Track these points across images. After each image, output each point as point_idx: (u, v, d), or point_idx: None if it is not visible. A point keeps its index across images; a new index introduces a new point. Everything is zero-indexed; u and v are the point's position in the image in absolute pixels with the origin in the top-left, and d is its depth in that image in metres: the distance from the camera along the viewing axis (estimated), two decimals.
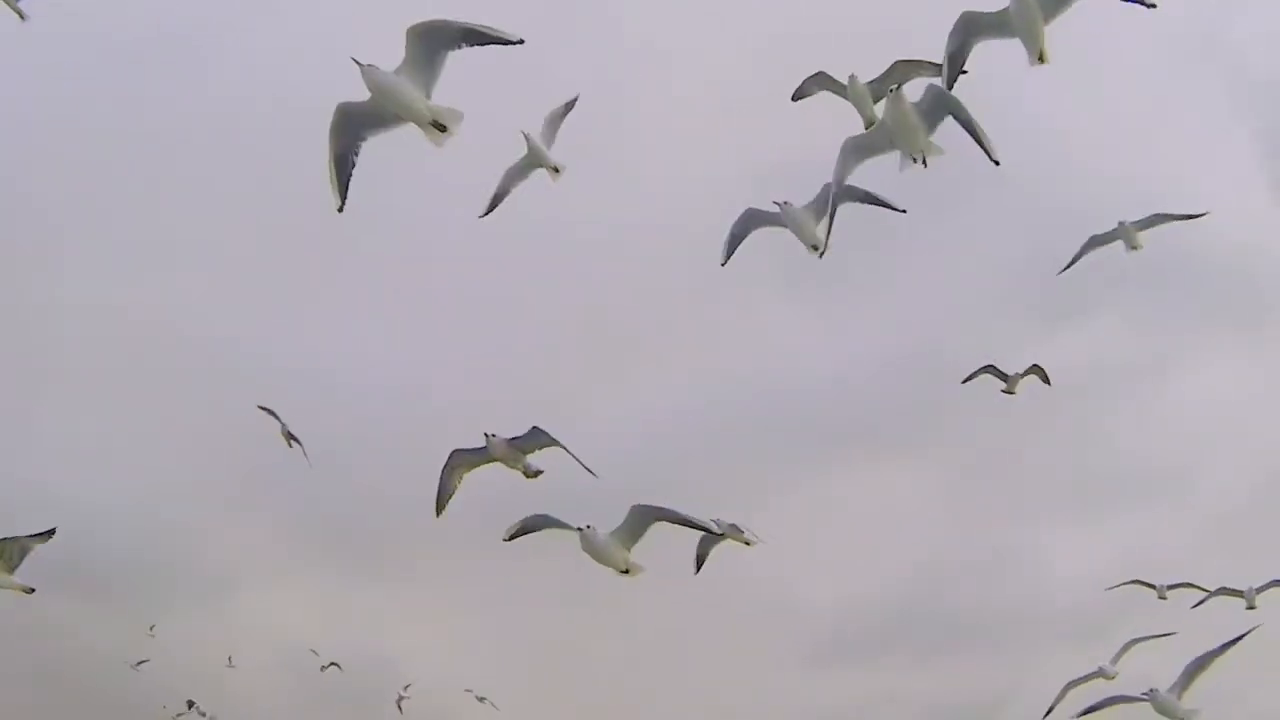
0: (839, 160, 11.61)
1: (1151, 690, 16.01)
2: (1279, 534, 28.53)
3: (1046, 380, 20.07)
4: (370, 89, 9.65)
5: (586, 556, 13.47)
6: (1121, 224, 16.70)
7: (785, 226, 13.24)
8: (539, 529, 13.46)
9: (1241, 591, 21.29)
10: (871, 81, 13.76)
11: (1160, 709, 16.02)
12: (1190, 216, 17.17)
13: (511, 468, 13.80)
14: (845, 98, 14.14)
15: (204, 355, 27.99)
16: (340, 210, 10.29)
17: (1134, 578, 21.99)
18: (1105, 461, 29.25)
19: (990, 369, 20.03)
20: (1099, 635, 30.11)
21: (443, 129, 10.05)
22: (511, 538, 13.53)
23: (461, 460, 13.77)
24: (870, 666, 26.10)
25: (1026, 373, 19.82)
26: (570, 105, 14.50)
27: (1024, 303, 20.19)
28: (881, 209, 12.91)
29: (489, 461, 13.76)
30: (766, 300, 28.16)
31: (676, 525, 12.86)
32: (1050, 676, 25.48)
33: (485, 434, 13.56)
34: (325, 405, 26.79)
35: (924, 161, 11.28)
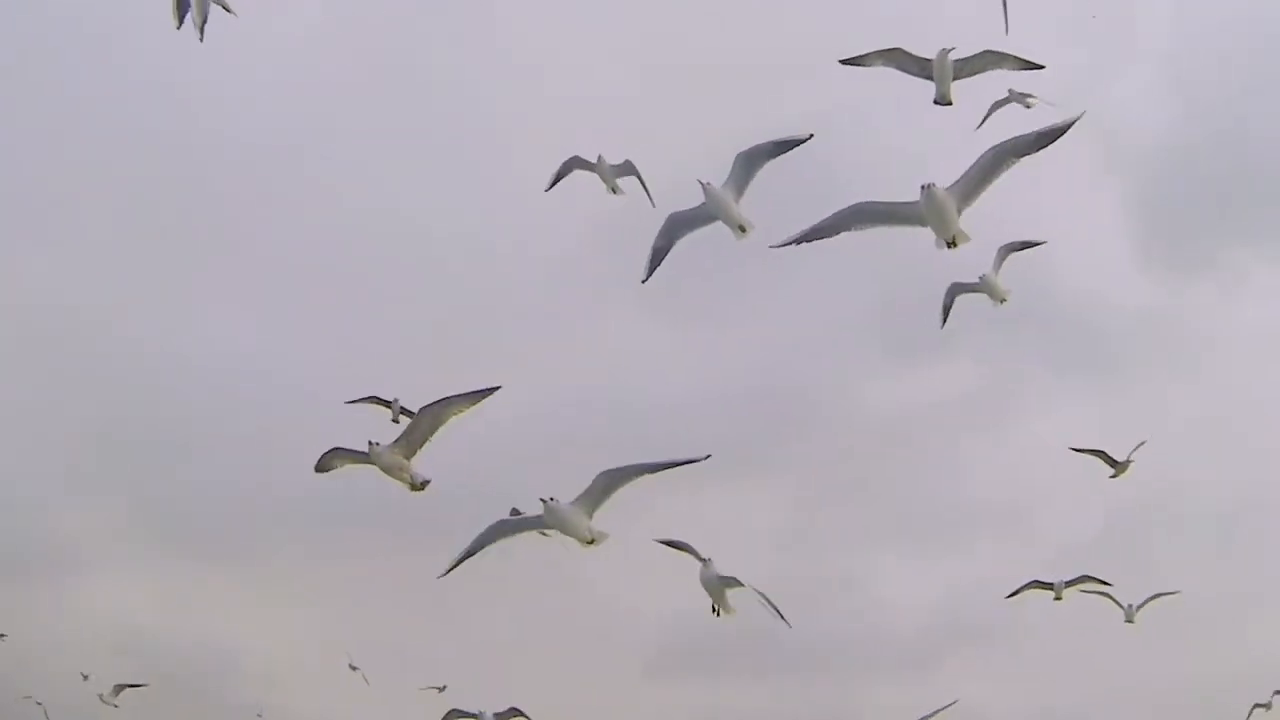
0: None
1: None
2: (1112, 576, 29.69)
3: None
4: None
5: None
6: (983, 277, 16.95)
7: (709, 222, 13.15)
8: (492, 543, 13.19)
9: (1124, 606, 22.90)
10: (958, 60, 14.58)
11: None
12: (1031, 244, 17.28)
13: (396, 479, 13.46)
14: (911, 74, 14.73)
15: (59, 332, 27.59)
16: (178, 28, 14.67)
17: (1033, 579, 22.80)
18: (948, 496, 30.17)
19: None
20: (930, 663, 31.13)
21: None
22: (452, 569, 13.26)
23: (341, 456, 13.39)
24: (707, 680, 26.63)
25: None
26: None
27: (877, 339, 20.87)
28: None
29: (369, 463, 13.38)
30: (627, 318, 28.65)
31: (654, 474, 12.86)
32: (880, 702, 26.32)
33: (369, 442, 13.21)
34: (184, 390, 26.62)
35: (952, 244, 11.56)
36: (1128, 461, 21.38)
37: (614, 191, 17.09)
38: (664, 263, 13.56)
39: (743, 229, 13.04)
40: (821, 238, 11.69)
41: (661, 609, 27.27)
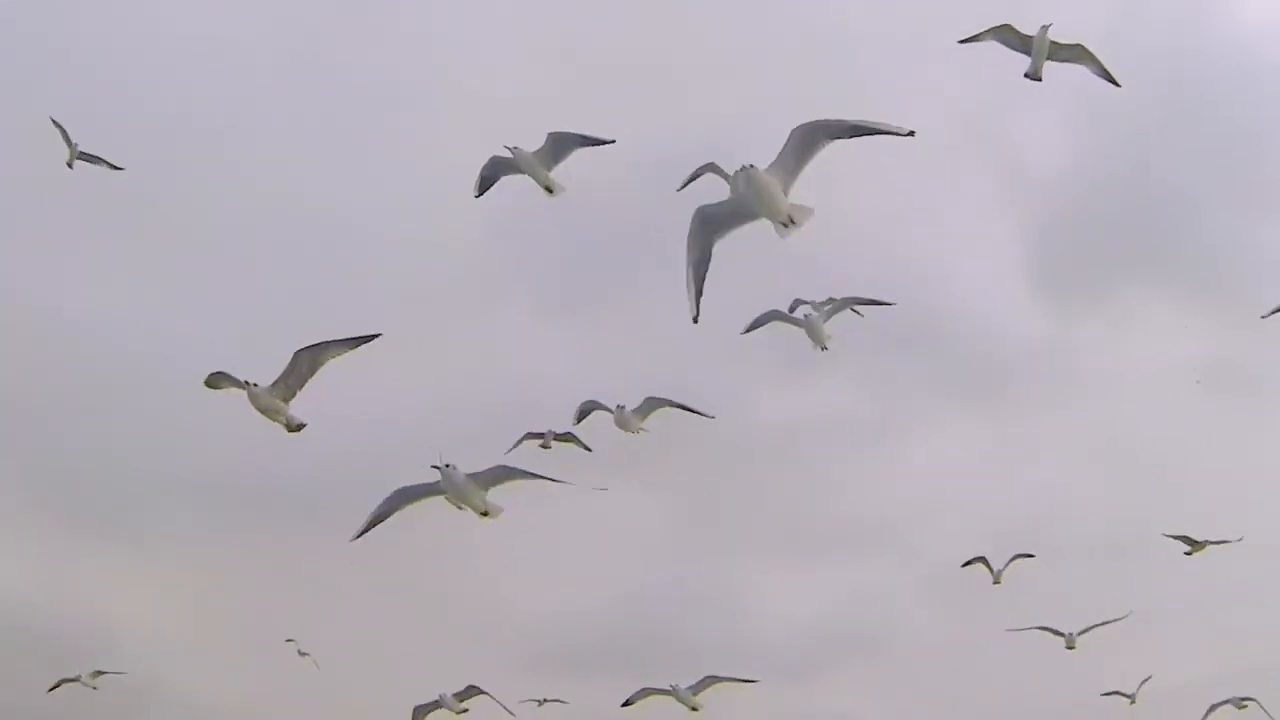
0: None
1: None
2: (985, 597, 30.34)
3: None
4: None
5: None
6: (808, 317, 17.28)
7: (520, 172, 15.59)
8: (396, 511, 13.75)
9: (1063, 633, 23.67)
10: (1054, 42, 16.09)
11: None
12: (879, 303, 17.75)
13: (273, 420, 13.78)
14: (1016, 49, 16.28)
15: None
16: None
17: (976, 555, 23.98)
18: (828, 511, 30.49)
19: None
20: (801, 675, 31.58)
21: None
22: (363, 533, 13.73)
23: (225, 379, 13.63)
24: (581, 681, 26.70)
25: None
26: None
27: (766, 353, 21.16)
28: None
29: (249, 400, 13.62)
30: (516, 316, 28.76)
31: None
32: (753, 712, 26.60)
33: (248, 383, 13.51)
34: (64, 356, 26.12)
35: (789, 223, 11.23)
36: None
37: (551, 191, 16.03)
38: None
39: (550, 189, 15.66)
40: (704, 272, 11.48)
41: (542, 606, 27.44)
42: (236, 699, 27.91)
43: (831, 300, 17.33)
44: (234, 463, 22.26)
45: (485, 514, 13.96)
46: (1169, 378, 33.14)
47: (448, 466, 13.44)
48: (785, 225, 11.25)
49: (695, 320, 11.60)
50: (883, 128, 10.49)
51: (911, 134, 10.48)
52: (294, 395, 13.66)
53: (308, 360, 13.44)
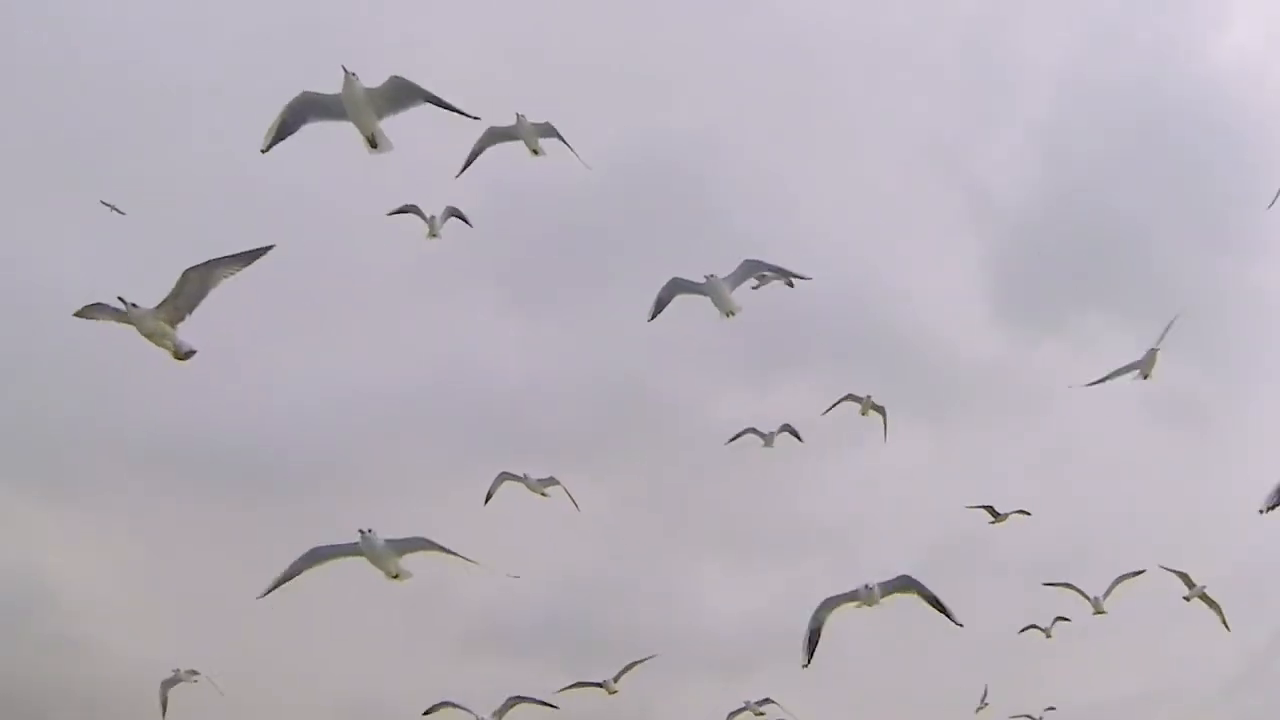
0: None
1: None
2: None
3: None
4: None
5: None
6: (709, 278, 16.75)
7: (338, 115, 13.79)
8: (308, 569, 14.40)
9: (1090, 599, 24.07)
10: None
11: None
12: (790, 274, 17.17)
13: (159, 345, 12.97)
14: None
15: None
16: None
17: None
18: (773, 512, 30.85)
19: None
20: (742, 671, 31.93)
21: None
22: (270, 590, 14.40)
23: (102, 311, 12.74)
24: (517, 663, 26.98)
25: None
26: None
27: (727, 356, 21.54)
28: None
29: (129, 324, 12.81)
30: (479, 302, 28.89)
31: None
32: (687, 703, 26.98)
33: (128, 303, 12.66)
34: (3, 311, 25.96)
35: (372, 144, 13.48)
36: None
37: (536, 153, 16.89)
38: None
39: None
40: (287, 133, 13.29)
41: (482, 588, 27.62)
42: (175, 661, 28.01)
43: (747, 265, 16.71)
44: (180, 426, 22.32)
45: (395, 576, 14.44)
46: (1121, 405, 33.67)
47: (369, 531, 13.98)
48: (369, 142, 13.56)
49: (264, 151, 13.24)
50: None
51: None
52: (182, 318, 12.90)
53: (197, 279, 12.67)
